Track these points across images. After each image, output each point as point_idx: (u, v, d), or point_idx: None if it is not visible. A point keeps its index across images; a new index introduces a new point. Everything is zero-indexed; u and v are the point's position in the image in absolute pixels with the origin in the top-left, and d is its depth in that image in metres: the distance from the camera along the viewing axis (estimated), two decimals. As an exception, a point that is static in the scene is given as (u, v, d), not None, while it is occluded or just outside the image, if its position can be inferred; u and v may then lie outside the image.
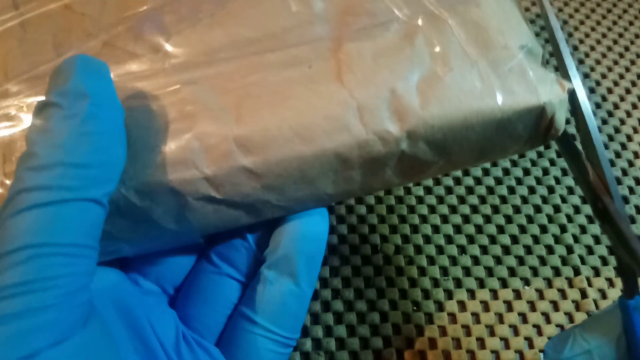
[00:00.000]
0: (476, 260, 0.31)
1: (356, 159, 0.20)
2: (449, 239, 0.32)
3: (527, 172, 0.34)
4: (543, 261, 0.31)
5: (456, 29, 0.21)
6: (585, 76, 0.39)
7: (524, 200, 0.33)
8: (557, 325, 0.29)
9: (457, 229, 0.32)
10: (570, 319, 0.30)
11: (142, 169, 0.19)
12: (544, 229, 0.32)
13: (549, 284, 0.31)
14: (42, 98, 0.19)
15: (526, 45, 0.21)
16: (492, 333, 0.29)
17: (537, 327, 0.29)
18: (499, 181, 0.34)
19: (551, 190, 0.34)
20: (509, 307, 0.30)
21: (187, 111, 0.20)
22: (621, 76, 0.39)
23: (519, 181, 0.34)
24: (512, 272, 0.31)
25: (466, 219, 0.33)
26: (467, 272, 0.31)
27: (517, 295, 0.30)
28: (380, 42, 0.21)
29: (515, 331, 0.29)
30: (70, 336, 0.15)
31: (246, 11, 0.22)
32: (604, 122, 0.37)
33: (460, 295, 0.30)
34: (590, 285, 0.31)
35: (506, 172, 0.34)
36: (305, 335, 0.29)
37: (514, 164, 0.35)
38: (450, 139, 0.20)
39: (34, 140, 0.16)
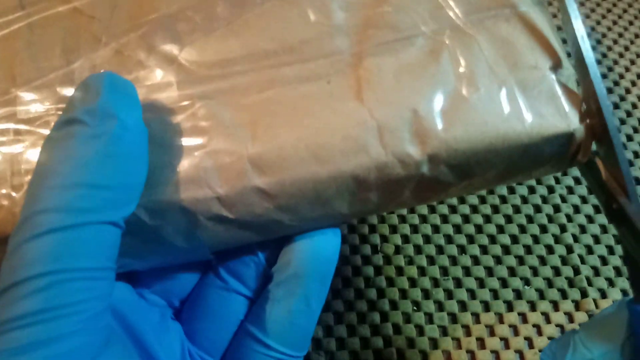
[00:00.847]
0: (476, 260, 0.31)
1: (374, 181, 0.19)
2: (449, 239, 0.32)
3: (527, 171, 0.34)
4: (543, 261, 0.31)
5: (484, 45, 0.20)
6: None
7: (524, 200, 0.33)
8: (557, 325, 0.29)
9: (457, 229, 0.32)
10: (570, 318, 0.30)
11: (153, 187, 0.18)
12: (543, 229, 0.32)
13: (549, 283, 0.31)
14: (52, 107, 0.19)
15: (557, 65, 0.20)
16: (492, 333, 0.29)
17: (537, 327, 0.30)
18: (499, 181, 0.34)
19: (551, 190, 0.34)
20: (509, 307, 0.30)
21: (200, 127, 0.19)
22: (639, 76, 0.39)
23: (519, 181, 0.34)
24: (512, 271, 0.31)
25: (466, 219, 0.33)
26: (467, 272, 0.31)
27: (517, 295, 0.30)
28: (403, 58, 0.20)
29: (515, 331, 0.29)
30: (96, 357, 0.15)
31: (263, 21, 0.21)
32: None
33: (461, 295, 0.30)
34: (590, 284, 0.31)
35: (506, 171, 0.34)
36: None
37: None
38: (473, 163, 0.19)
39: (54, 157, 0.16)
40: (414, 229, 0.32)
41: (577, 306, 0.30)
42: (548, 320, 0.30)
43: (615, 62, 0.40)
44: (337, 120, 0.19)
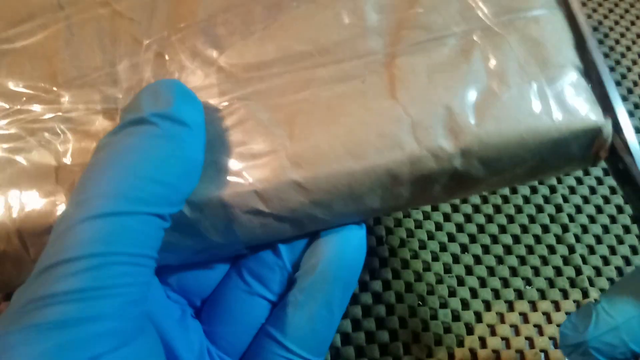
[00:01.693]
0: (478, 259, 0.32)
1: (407, 175, 0.20)
2: (451, 237, 0.32)
3: (529, 171, 0.34)
4: (545, 261, 0.31)
5: (514, 45, 0.21)
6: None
7: (526, 199, 0.33)
8: (557, 325, 0.30)
9: (459, 228, 0.33)
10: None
11: (199, 183, 0.19)
12: (545, 229, 0.32)
13: (551, 283, 0.31)
14: (95, 106, 0.21)
15: (579, 64, 0.20)
16: (493, 332, 0.29)
17: (538, 327, 0.30)
18: (501, 180, 0.34)
19: (553, 190, 0.34)
20: (510, 307, 0.30)
21: (240, 126, 0.20)
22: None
23: (521, 180, 0.34)
24: (514, 271, 0.31)
25: (468, 218, 0.33)
26: (469, 270, 0.31)
27: (519, 294, 0.30)
28: (436, 58, 0.21)
29: (517, 331, 0.29)
30: (129, 343, 0.16)
31: (298, 24, 0.22)
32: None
33: (463, 293, 0.30)
34: (592, 285, 0.31)
35: (508, 171, 0.34)
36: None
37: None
38: (504, 158, 0.20)
39: (119, 149, 0.17)
40: (418, 224, 0.33)
41: (579, 306, 0.31)
42: (549, 320, 0.30)
43: (618, 63, 0.40)
44: (372, 118, 0.20)
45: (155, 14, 0.22)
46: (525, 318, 0.30)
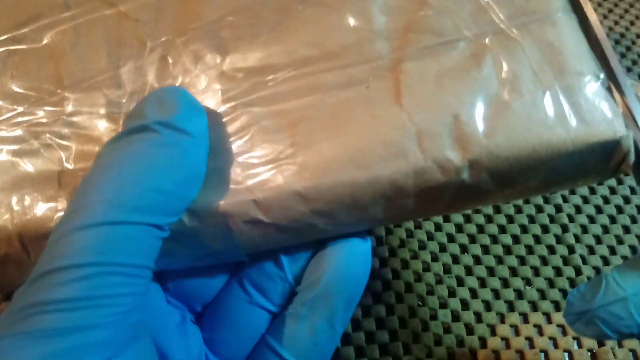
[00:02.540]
0: (477, 260, 0.32)
1: (412, 187, 0.19)
2: (451, 237, 0.32)
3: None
4: (544, 261, 0.32)
5: (528, 50, 0.20)
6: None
7: (525, 199, 0.33)
8: (558, 326, 0.30)
9: (459, 228, 0.33)
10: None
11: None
12: (545, 229, 0.33)
13: (551, 284, 0.31)
14: (99, 109, 0.21)
15: (598, 73, 0.19)
16: (493, 332, 0.29)
17: (538, 327, 0.30)
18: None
19: (552, 190, 0.34)
20: (510, 307, 0.30)
21: (242, 133, 0.20)
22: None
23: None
24: (514, 271, 0.31)
25: (468, 219, 0.33)
26: (468, 271, 0.31)
27: (519, 295, 0.31)
28: (444, 62, 0.20)
29: (517, 331, 0.29)
30: (121, 352, 0.16)
31: (304, 27, 0.21)
32: None
33: (463, 294, 0.30)
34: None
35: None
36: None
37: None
38: (515, 170, 0.19)
39: (120, 156, 0.17)
40: (418, 224, 0.33)
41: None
42: (549, 320, 0.30)
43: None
44: (376, 125, 0.19)
45: (161, 15, 0.22)
46: (525, 318, 0.30)
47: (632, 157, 0.19)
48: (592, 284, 0.19)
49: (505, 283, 0.31)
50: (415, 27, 0.21)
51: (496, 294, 0.31)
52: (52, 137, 0.21)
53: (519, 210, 0.34)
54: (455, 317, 0.30)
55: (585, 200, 0.34)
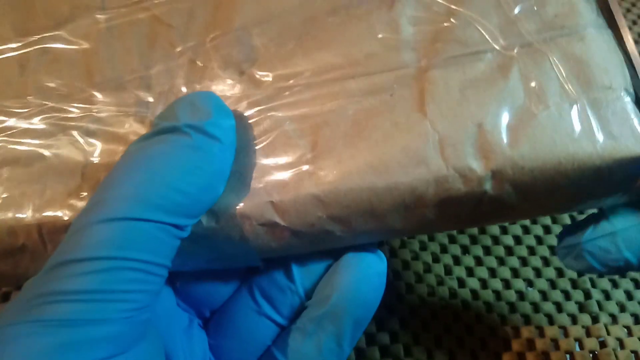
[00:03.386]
0: (479, 261, 0.32)
1: (432, 196, 0.19)
2: (452, 239, 0.32)
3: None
4: (546, 262, 0.32)
5: (556, 63, 0.20)
6: None
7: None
8: (559, 327, 0.30)
9: (460, 229, 0.32)
10: (574, 320, 0.30)
11: None
12: (547, 230, 0.33)
13: (552, 285, 0.31)
14: (127, 109, 0.21)
15: (629, 88, 0.19)
16: (494, 334, 0.29)
17: (539, 328, 0.30)
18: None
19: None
20: (512, 309, 0.30)
21: (265, 137, 0.20)
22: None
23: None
24: (515, 273, 0.31)
25: (469, 219, 0.33)
26: (470, 272, 0.31)
27: (520, 296, 0.30)
28: (470, 73, 0.20)
29: (518, 333, 0.29)
30: (130, 349, 0.16)
31: (331, 36, 0.22)
32: None
33: (464, 295, 0.30)
34: (593, 286, 0.31)
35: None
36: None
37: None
38: (539, 184, 0.19)
39: (148, 153, 0.17)
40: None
41: (581, 308, 0.31)
42: (551, 321, 0.30)
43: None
44: (398, 132, 0.19)
45: (193, 20, 0.22)
46: (526, 320, 0.30)
47: None
48: (584, 220, 0.20)
49: (507, 284, 0.32)
50: (443, 37, 0.21)
51: (497, 295, 0.31)
52: (79, 133, 0.21)
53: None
54: (456, 318, 0.30)
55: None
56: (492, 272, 0.32)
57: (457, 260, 0.32)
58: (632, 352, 0.29)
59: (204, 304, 0.23)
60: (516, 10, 0.21)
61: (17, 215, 0.20)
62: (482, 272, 0.32)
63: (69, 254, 0.15)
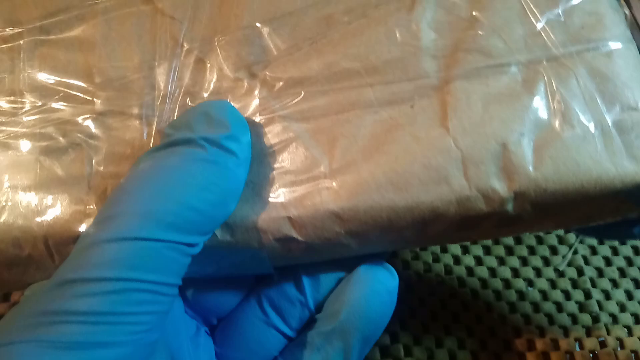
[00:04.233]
0: (479, 261, 0.32)
1: (452, 215, 0.18)
2: (453, 239, 0.32)
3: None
4: (547, 262, 0.32)
5: (582, 80, 0.19)
6: None
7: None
8: (560, 327, 0.29)
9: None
10: (574, 320, 0.30)
11: None
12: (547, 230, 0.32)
13: (553, 285, 0.31)
14: (132, 110, 0.20)
15: None
16: (494, 334, 0.29)
17: (540, 328, 0.30)
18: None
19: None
20: (512, 308, 0.30)
21: (279, 146, 0.20)
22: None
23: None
24: (516, 273, 0.31)
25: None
26: (470, 272, 0.31)
27: (521, 296, 0.30)
28: (494, 86, 0.19)
29: (518, 333, 0.29)
30: None
31: (348, 40, 0.21)
32: None
33: (464, 295, 0.30)
34: (594, 286, 0.31)
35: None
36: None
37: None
38: (560, 204, 0.18)
39: (160, 168, 0.17)
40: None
41: (581, 307, 0.31)
42: (551, 321, 0.31)
43: None
44: (419, 147, 0.19)
45: (198, 14, 0.21)
46: (527, 320, 0.30)
47: None
48: None
49: (507, 284, 0.32)
50: (465, 46, 0.20)
51: (498, 295, 0.31)
52: (81, 136, 0.20)
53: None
54: (456, 319, 0.30)
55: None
56: (493, 272, 0.32)
57: (457, 260, 0.32)
58: (632, 352, 0.29)
59: (212, 311, 0.23)
60: (542, 20, 0.20)
61: (21, 225, 0.19)
62: (483, 271, 0.32)
63: (78, 272, 0.15)
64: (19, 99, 0.21)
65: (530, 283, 0.32)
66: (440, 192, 0.18)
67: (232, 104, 0.19)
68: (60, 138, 0.20)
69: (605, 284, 0.32)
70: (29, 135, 0.20)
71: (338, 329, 0.20)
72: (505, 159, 0.18)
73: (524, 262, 0.32)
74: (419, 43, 0.20)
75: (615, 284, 0.32)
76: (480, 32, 0.20)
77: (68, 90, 0.21)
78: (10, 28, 0.21)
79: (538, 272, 0.32)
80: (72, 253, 0.16)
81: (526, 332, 0.30)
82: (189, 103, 0.21)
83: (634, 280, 0.32)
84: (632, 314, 0.31)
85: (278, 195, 0.19)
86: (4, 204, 0.19)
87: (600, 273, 0.32)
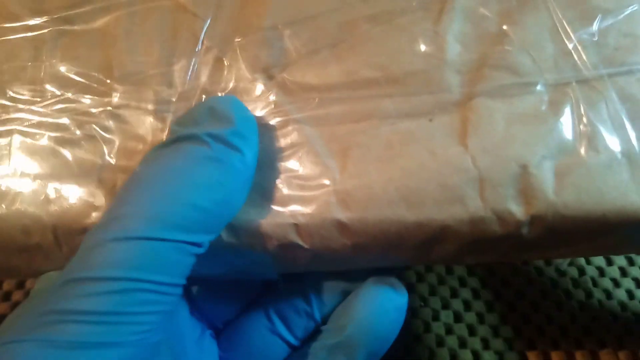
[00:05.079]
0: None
1: (465, 235, 0.18)
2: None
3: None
4: (547, 261, 0.31)
5: (612, 104, 0.18)
6: None
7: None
8: (560, 327, 0.29)
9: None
10: (574, 319, 0.30)
11: None
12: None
13: (553, 284, 0.31)
14: (147, 105, 0.20)
15: None
16: (495, 334, 0.29)
17: (540, 328, 0.29)
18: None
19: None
20: (512, 308, 0.30)
21: (291, 151, 0.19)
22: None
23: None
24: (516, 271, 0.31)
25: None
26: (470, 272, 0.31)
27: (521, 296, 0.30)
28: (519, 106, 0.19)
29: (519, 332, 0.29)
30: None
31: (369, 47, 0.20)
32: None
33: (465, 295, 0.30)
34: (595, 285, 0.31)
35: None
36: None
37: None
38: (580, 233, 0.18)
39: (165, 166, 0.16)
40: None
41: (582, 307, 0.31)
42: (550, 321, 0.30)
43: None
44: (435, 164, 0.18)
45: (220, 12, 0.21)
46: (527, 319, 0.30)
47: None
48: None
49: (507, 284, 0.32)
50: (492, 61, 0.19)
51: (497, 295, 0.31)
52: (96, 129, 0.20)
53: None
54: (458, 319, 0.30)
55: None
56: (492, 272, 0.32)
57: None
58: (633, 352, 0.29)
59: (218, 315, 0.23)
60: (574, 39, 0.20)
61: (31, 213, 0.19)
62: (482, 272, 0.32)
63: (83, 271, 0.15)
64: (39, 88, 0.21)
65: (530, 282, 0.32)
66: (454, 212, 0.17)
67: (246, 105, 0.19)
68: (76, 129, 0.20)
69: (606, 283, 0.32)
70: (46, 125, 0.20)
71: (343, 343, 0.20)
72: (524, 182, 0.18)
73: (525, 262, 0.32)
74: (443, 55, 0.20)
75: (616, 284, 0.32)
76: (508, 48, 0.20)
77: (87, 82, 0.21)
78: (37, 18, 0.21)
79: (539, 272, 0.32)
80: (78, 252, 0.16)
81: (527, 331, 0.30)
82: None
83: (635, 279, 0.32)
84: (633, 314, 0.31)
85: (286, 201, 0.19)
86: (17, 190, 0.19)
87: (602, 272, 0.32)
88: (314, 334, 0.22)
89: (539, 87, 0.19)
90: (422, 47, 0.20)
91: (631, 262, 0.32)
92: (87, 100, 0.20)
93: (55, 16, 0.21)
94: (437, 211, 0.18)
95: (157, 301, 0.15)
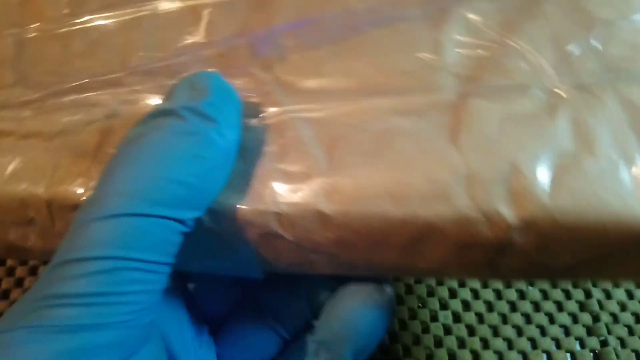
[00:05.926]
0: (479, 260, 0.31)
1: (451, 235, 0.17)
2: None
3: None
4: (547, 261, 0.31)
5: (611, 110, 0.18)
6: None
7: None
8: (560, 326, 0.30)
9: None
10: (575, 319, 0.30)
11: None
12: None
13: (553, 284, 0.31)
14: (150, 95, 0.20)
15: None
16: (495, 334, 0.29)
17: (540, 327, 0.30)
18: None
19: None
20: (513, 308, 0.30)
21: (281, 140, 0.19)
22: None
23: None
24: (517, 272, 0.31)
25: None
26: (470, 271, 0.31)
27: (521, 295, 0.31)
28: (514, 107, 0.18)
29: (519, 332, 0.29)
30: (132, 354, 0.16)
31: (367, 47, 0.21)
32: None
33: (464, 295, 0.30)
34: (594, 285, 0.31)
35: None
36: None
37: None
38: (573, 242, 0.17)
39: (141, 144, 0.16)
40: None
41: (582, 307, 0.31)
42: (552, 321, 0.31)
43: None
44: (423, 159, 0.18)
45: (231, 9, 0.22)
46: (528, 319, 0.30)
47: None
48: None
49: (508, 283, 0.32)
50: (489, 65, 0.20)
51: (498, 295, 0.31)
52: (102, 114, 0.21)
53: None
54: (457, 318, 0.30)
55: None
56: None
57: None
58: (633, 351, 0.30)
59: (214, 311, 0.23)
60: (574, 47, 0.20)
61: (29, 188, 0.19)
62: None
63: (68, 253, 0.15)
64: (61, 78, 0.21)
65: (530, 283, 0.32)
66: (439, 209, 0.17)
67: (241, 97, 0.19)
68: (83, 114, 0.21)
69: (606, 283, 0.32)
70: (58, 108, 0.21)
71: (330, 340, 0.21)
72: (515, 182, 0.17)
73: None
74: (440, 59, 0.20)
75: (615, 283, 0.32)
76: (507, 53, 0.20)
77: (103, 71, 0.21)
78: (73, 16, 0.22)
79: (539, 272, 0.32)
80: (67, 235, 0.16)
81: (527, 331, 0.31)
82: None
83: (635, 279, 0.32)
84: (633, 313, 0.31)
85: (270, 188, 0.18)
86: (16, 165, 0.20)
87: (601, 273, 0.32)
88: (306, 327, 0.22)
89: (536, 91, 0.19)
90: (420, 50, 0.20)
91: (631, 262, 0.32)
92: (100, 87, 0.21)
93: (89, 17, 0.23)
94: (423, 207, 0.17)
95: (144, 280, 0.15)
